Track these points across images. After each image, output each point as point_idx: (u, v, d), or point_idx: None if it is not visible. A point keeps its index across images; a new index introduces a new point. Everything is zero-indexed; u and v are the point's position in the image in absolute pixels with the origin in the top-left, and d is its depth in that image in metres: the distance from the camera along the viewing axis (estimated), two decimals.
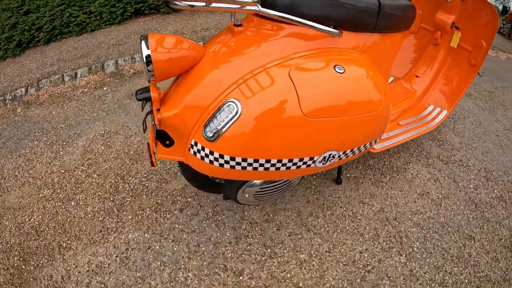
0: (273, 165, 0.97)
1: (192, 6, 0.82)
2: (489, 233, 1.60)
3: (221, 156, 0.93)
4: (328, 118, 0.93)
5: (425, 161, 1.94)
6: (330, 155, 1.04)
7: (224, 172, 0.98)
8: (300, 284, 1.33)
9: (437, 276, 1.43)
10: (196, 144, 0.96)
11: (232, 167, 0.96)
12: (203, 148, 0.95)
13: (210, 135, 0.92)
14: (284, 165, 0.99)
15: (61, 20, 3.29)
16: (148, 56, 0.85)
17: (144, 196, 1.62)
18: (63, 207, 1.59)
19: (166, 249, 1.41)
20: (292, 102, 0.89)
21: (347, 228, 1.56)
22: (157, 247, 1.41)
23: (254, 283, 1.31)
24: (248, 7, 0.85)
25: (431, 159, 1.95)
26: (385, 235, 1.55)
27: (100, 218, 1.53)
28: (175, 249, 1.41)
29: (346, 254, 1.46)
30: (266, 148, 0.93)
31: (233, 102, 0.89)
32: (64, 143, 1.96)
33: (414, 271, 1.43)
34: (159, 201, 1.60)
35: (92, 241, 1.44)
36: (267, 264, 1.38)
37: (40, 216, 1.55)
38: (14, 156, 1.91)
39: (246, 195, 1.20)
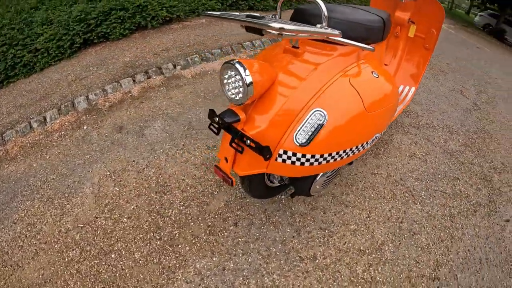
0: (346, 153, 1.20)
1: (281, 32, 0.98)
2: (467, 172, 2.17)
3: (313, 156, 1.10)
4: (377, 110, 1.22)
5: (403, 130, 2.46)
6: (375, 137, 1.35)
7: (313, 169, 1.15)
8: (361, 248, 1.57)
9: (445, 211, 1.88)
10: (285, 152, 1.09)
11: (320, 163, 1.13)
12: (294, 154, 1.09)
13: (304, 141, 1.09)
14: (352, 151, 1.23)
15: (5, 63, 2.91)
16: (249, 78, 0.99)
17: (192, 223, 1.58)
18: (103, 263, 1.40)
19: (241, 264, 1.42)
20: (359, 103, 1.14)
21: (372, 195, 1.88)
22: (232, 265, 1.42)
23: (328, 260, 1.48)
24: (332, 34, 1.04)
25: (406, 127, 2.49)
26: (399, 193, 1.93)
27: (155, 261, 1.42)
28: (249, 260, 1.44)
29: (380, 215, 1.77)
30: (345, 141, 1.15)
31: (319, 110, 1.09)
32: (66, 194, 1.69)
33: (430, 212, 1.85)
34: (210, 223, 1.58)
35: (159, 287, 1.33)
36: (330, 242, 1.56)
37: (79, 283, 1.33)
38: (8, 225, 1.54)
39: (317, 186, 1.37)
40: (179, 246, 1.48)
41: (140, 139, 2.08)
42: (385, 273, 1.52)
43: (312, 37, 1.09)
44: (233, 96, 1.07)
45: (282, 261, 1.45)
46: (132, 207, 1.65)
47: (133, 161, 1.92)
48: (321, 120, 1.08)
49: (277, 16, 1.23)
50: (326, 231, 1.62)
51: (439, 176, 2.10)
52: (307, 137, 1.08)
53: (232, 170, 1.18)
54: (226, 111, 1.08)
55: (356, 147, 1.23)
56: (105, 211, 1.61)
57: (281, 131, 1.09)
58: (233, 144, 1.07)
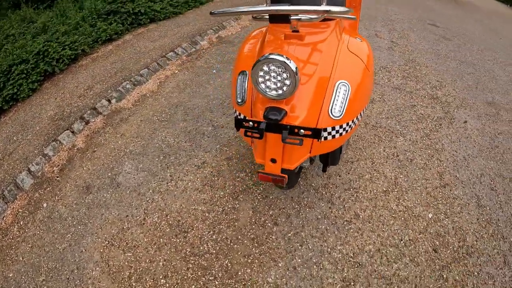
0: (360, 115, 1.34)
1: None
2: (418, 98, 2.68)
3: (347, 125, 1.22)
4: (371, 69, 1.40)
5: None
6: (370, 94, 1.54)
7: (344, 138, 1.25)
8: (384, 189, 1.85)
9: (421, 133, 2.33)
10: (325, 129, 1.15)
11: (347, 131, 1.24)
12: (333, 128, 1.17)
13: (338, 115, 1.18)
14: (363, 112, 1.38)
15: None
16: (294, 65, 1.01)
17: (235, 245, 1.52)
18: None
19: (305, 254, 1.47)
20: (363, 66, 1.30)
21: (365, 145, 2.17)
22: (299, 260, 1.44)
23: (368, 211, 1.71)
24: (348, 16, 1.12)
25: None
26: (382, 134, 2.27)
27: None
28: (310, 247, 1.50)
29: (380, 157, 2.07)
30: (363, 103, 1.30)
31: (342, 82, 1.19)
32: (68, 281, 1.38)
33: (411, 139, 2.26)
34: (252, 236, 1.56)
35: None
36: (360, 196, 1.77)
37: None
38: None
39: (343, 152, 1.54)
40: (239, 273, 1.43)
41: (119, 190, 1.84)
42: (411, 198, 1.82)
43: (328, 16, 1.16)
44: (276, 92, 1.07)
45: (335, 232, 1.57)
46: (161, 263, 1.48)
47: (127, 216, 1.69)
48: (346, 90, 1.19)
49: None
50: (351, 189, 1.81)
51: (401, 108, 2.56)
52: (341, 109, 1.18)
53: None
54: (268, 111, 1.07)
55: (366, 107, 1.40)
56: (133, 284, 1.41)
57: (317, 111, 1.16)
58: (288, 140, 1.07)
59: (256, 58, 1.30)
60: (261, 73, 1.06)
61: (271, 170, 1.18)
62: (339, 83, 1.19)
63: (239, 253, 1.48)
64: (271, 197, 1.72)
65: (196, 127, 2.26)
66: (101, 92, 2.63)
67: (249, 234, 1.55)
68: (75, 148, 2.18)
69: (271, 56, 1.00)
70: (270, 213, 1.65)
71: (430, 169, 2.07)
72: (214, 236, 1.56)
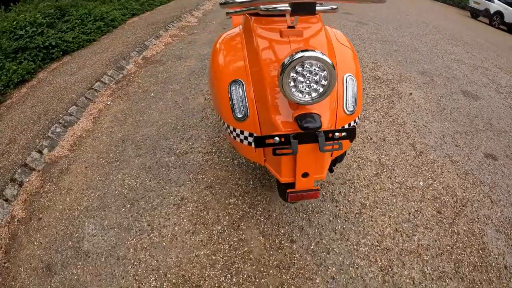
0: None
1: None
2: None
3: (358, 117, 1.30)
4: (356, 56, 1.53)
5: None
6: None
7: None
8: (390, 186, 2.01)
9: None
10: (342, 130, 1.17)
11: (357, 123, 1.33)
12: (349, 124, 1.24)
13: (352, 109, 1.24)
14: None
15: None
16: (329, 59, 0.97)
17: (262, 280, 1.42)
18: None
19: (336, 260, 1.50)
20: (353, 55, 1.40)
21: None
22: (334, 269, 1.47)
23: (372, 198, 1.84)
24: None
25: None
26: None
27: None
28: (336, 251, 1.53)
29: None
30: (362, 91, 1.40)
31: (349, 75, 1.26)
32: None
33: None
34: (275, 262, 1.49)
35: None
36: (369, 187, 1.89)
37: None
38: None
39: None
40: None
41: (90, 261, 1.52)
42: (400, 173, 2.03)
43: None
44: (311, 95, 1.03)
45: (353, 228, 1.65)
46: None
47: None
48: (354, 83, 1.27)
49: None
50: (347, 182, 1.96)
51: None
52: (354, 103, 1.25)
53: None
54: (303, 119, 1.03)
55: None
56: None
57: (335, 109, 1.20)
58: (327, 147, 1.06)
59: (249, 61, 1.25)
60: (292, 77, 1.00)
61: (304, 185, 1.15)
62: (347, 77, 1.27)
63: (270, 286, 1.38)
64: (275, 215, 1.69)
65: (155, 160, 2.07)
66: (27, 143, 2.20)
67: (271, 262, 1.49)
68: (15, 220, 1.76)
69: (307, 54, 0.95)
70: (282, 231, 1.61)
71: (403, 142, 2.34)
72: (234, 279, 1.44)
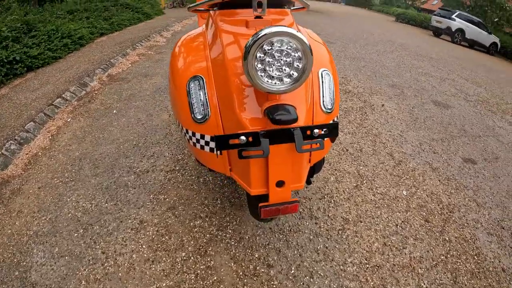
0: None
1: None
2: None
3: (337, 117, 1.14)
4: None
5: None
6: None
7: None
8: (373, 198, 1.85)
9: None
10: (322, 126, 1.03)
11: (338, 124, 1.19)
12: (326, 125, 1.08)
13: (330, 107, 1.09)
14: None
15: None
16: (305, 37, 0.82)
17: None
18: None
19: (327, 283, 1.28)
20: (328, 53, 1.28)
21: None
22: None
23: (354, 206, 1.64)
24: None
25: None
26: None
27: None
28: (321, 274, 1.32)
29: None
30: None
31: (325, 70, 1.12)
32: None
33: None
34: None
35: None
36: (350, 200, 1.73)
37: None
38: None
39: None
40: None
41: None
42: (381, 184, 1.89)
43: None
44: (283, 81, 0.86)
45: (336, 246, 1.47)
46: None
47: None
48: (330, 79, 1.12)
49: None
50: (325, 197, 1.78)
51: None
52: (331, 100, 1.09)
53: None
54: (274, 112, 0.84)
55: None
56: None
57: (311, 105, 1.02)
58: (307, 146, 0.87)
59: (212, 61, 1.11)
60: (258, 58, 0.82)
61: (279, 197, 0.94)
62: (322, 71, 1.13)
63: None
64: (247, 237, 1.47)
65: (113, 180, 1.82)
66: None
67: None
68: None
69: (276, 29, 0.78)
70: (256, 255, 1.39)
71: (380, 152, 2.23)
72: None
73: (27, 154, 2.13)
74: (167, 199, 1.67)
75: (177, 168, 1.90)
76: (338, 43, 5.65)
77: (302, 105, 0.95)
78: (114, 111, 2.64)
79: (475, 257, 1.53)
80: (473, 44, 10.93)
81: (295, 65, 0.85)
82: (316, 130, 0.90)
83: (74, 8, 5.63)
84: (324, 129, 0.91)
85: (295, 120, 0.84)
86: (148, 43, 4.88)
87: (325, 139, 0.96)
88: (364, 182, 1.90)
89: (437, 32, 11.49)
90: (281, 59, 0.84)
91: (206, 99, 1.02)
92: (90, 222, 1.56)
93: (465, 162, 2.34)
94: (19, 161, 2.06)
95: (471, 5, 15.69)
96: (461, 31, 10.59)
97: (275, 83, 0.86)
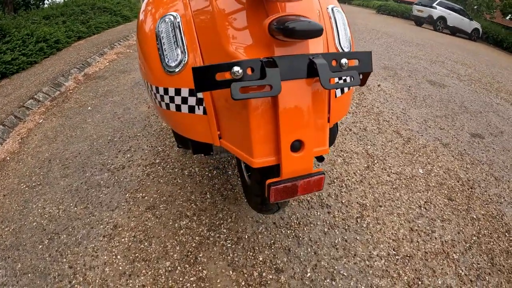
0: None
1: None
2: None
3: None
4: None
5: None
6: None
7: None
8: (388, 179, 1.58)
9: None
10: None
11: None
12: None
13: (347, 45, 0.90)
14: None
15: None
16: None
17: None
18: None
19: (352, 284, 0.98)
20: None
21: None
22: None
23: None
24: None
25: None
26: None
27: None
28: (344, 273, 1.03)
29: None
30: None
31: (335, 7, 0.92)
32: None
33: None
34: None
35: None
36: (363, 183, 1.45)
37: None
38: None
39: None
40: None
41: None
42: (394, 163, 1.63)
43: None
44: None
45: (357, 237, 1.19)
46: None
47: None
48: (343, 16, 0.93)
49: None
50: (335, 181, 1.50)
51: None
52: (349, 39, 0.89)
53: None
54: (283, 21, 0.54)
55: None
56: None
57: (325, 36, 0.79)
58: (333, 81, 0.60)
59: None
60: None
61: (298, 167, 0.61)
62: (333, 7, 0.90)
63: None
64: (246, 237, 1.18)
65: (84, 180, 1.52)
66: None
67: None
68: None
69: None
70: (261, 259, 1.09)
71: (386, 130, 1.99)
72: None
73: None
74: (146, 198, 1.35)
75: (157, 161, 1.58)
76: None
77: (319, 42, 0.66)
78: (89, 108, 2.31)
79: (506, 234, 1.33)
80: (455, 31, 10.91)
81: None
82: (344, 60, 0.59)
83: (51, 13, 5.27)
84: (356, 60, 0.60)
85: (321, 30, 0.53)
86: (127, 42, 4.55)
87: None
88: (376, 162, 1.63)
89: (419, 22, 11.42)
90: None
91: (182, 37, 0.72)
92: (56, 231, 1.24)
93: (473, 137, 2.12)
94: None
95: None
96: (442, 18, 10.53)
97: None
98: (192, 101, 0.70)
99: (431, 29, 10.59)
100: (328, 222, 1.23)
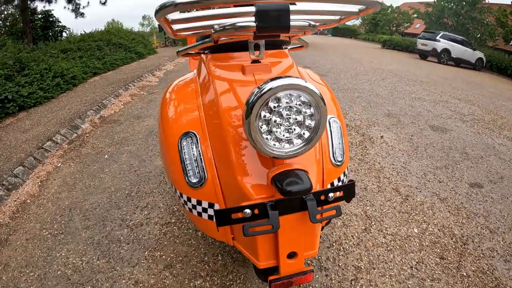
0: None
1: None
2: None
3: (347, 168, 1.07)
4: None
5: None
6: None
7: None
8: (383, 241, 1.76)
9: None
10: (332, 184, 0.96)
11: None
12: (338, 179, 1.01)
13: (341, 159, 1.02)
14: None
15: None
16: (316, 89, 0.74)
17: None
18: None
19: None
20: (330, 95, 1.21)
21: None
22: None
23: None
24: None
25: None
26: None
27: None
28: None
29: None
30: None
31: (333, 118, 1.06)
32: None
33: None
34: None
35: None
36: (360, 246, 1.64)
37: None
38: None
39: None
40: None
41: None
42: (390, 224, 1.83)
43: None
44: (292, 143, 0.78)
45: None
46: None
47: None
48: (338, 127, 1.05)
49: None
50: (334, 244, 1.68)
51: None
52: (342, 150, 1.02)
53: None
54: (283, 180, 0.74)
55: None
56: None
57: (320, 160, 0.93)
58: (320, 215, 0.77)
59: (205, 111, 1.02)
60: (262, 117, 0.73)
61: (292, 269, 0.84)
62: (330, 119, 1.05)
63: None
64: None
65: (105, 233, 1.73)
66: None
67: None
68: None
69: (281, 82, 0.69)
70: None
71: (385, 189, 2.19)
72: None
73: (15, 201, 2.08)
74: (164, 256, 1.55)
75: (173, 220, 1.80)
76: (329, 75, 5.79)
77: (313, 166, 0.86)
78: (106, 156, 2.58)
79: None
80: (459, 62, 11.36)
81: (307, 124, 0.76)
82: (331, 194, 0.80)
83: (68, 47, 5.74)
84: (340, 192, 0.82)
85: (310, 189, 0.73)
86: (141, 83, 4.94)
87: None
88: (373, 223, 1.81)
89: (423, 55, 11.95)
90: (290, 118, 0.75)
91: (201, 158, 0.94)
92: (81, 282, 1.44)
93: (472, 187, 2.29)
94: (6, 208, 2.01)
95: (454, 25, 16.57)
96: (446, 51, 11.05)
97: (283, 147, 0.77)
98: (211, 211, 0.93)
99: (436, 62, 10.98)
100: (325, 284, 1.41)
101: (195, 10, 0.99)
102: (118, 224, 1.79)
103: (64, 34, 9.12)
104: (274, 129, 0.75)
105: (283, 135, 0.77)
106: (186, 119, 1.04)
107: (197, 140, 0.96)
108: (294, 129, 0.77)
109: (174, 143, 0.98)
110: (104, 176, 2.28)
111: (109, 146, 2.76)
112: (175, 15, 0.77)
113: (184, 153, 0.95)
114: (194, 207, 0.96)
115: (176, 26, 0.86)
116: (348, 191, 0.84)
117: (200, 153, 0.95)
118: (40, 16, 9.17)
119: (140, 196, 2.03)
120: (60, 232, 1.76)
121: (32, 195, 2.14)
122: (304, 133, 0.78)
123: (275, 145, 0.77)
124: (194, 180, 0.93)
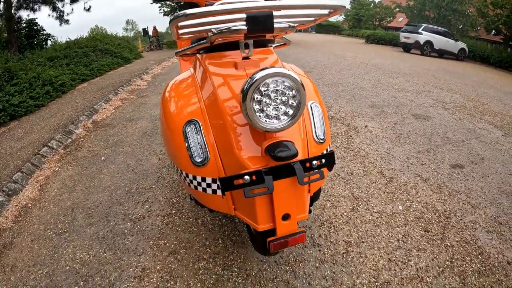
0: None
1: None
2: None
3: (329, 146, 1.22)
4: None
5: None
6: None
7: None
8: (371, 218, 1.92)
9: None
10: (315, 158, 1.07)
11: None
12: (321, 156, 1.13)
13: (323, 137, 1.18)
14: None
15: None
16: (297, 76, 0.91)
17: None
18: None
19: None
20: (313, 86, 1.37)
21: None
22: None
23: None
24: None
25: None
26: None
27: None
28: None
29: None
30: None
31: (314, 103, 1.23)
32: None
33: None
34: None
35: None
36: (349, 224, 1.80)
37: None
38: None
39: None
40: None
41: None
42: (377, 203, 1.98)
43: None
44: (279, 119, 0.95)
45: (343, 269, 1.51)
46: None
47: None
48: (319, 110, 1.23)
49: None
50: (325, 223, 1.83)
51: None
52: (323, 130, 1.19)
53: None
54: (275, 149, 0.92)
55: None
56: None
57: (305, 137, 1.10)
58: (307, 178, 0.95)
59: (205, 103, 1.18)
60: (257, 97, 0.92)
61: (287, 229, 1.01)
62: (311, 104, 1.23)
63: None
64: (253, 273, 1.51)
65: (109, 228, 1.84)
66: None
67: None
68: None
69: (269, 71, 0.87)
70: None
71: (371, 172, 2.35)
72: None
73: (16, 205, 2.16)
74: (168, 244, 1.68)
75: (174, 211, 1.93)
76: (314, 71, 5.98)
77: (298, 139, 1.04)
78: (103, 158, 2.68)
79: (479, 256, 1.61)
80: (442, 54, 11.78)
81: (290, 103, 0.95)
82: (314, 162, 0.98)
83: (54, 55, 5.78)
84: (322, 160, 1.00)
85: (296, 155, 0.92)
86: (130, 87, 5.03)
87: (323, 168, 1.05)
88: (360, 203, 1.98)
89: (407, 48, 12.34)
90: (277, 98, 0.93)
91: (204, 142, 1.09)
92: (90, 274, 1.55)
93: (453, 168, 2.47)
94: (8, 213, 2.08)
95: (435, 17, 17.11)
96: (429, 43, 11.45)
97: (273, 122, 0.95)
98: (214, 186, 1.07)
99: (419, 54, 11.35)
100: (319, 258, 1.56)
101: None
102: (121, 218, 1.90)
103: (49, 42, 9.11)
104: (265, 108, 0.93)
105: (272, 113, 0.95)
106: (189, 110, 1.19)
107: (199, 126, 1.11)
108: (281, 108, 0.95)
109: (180, 130, 1.13)
110: (103, 177, 2.38)
111: (104, 149, 2.86)
112: (184, 23, 0.98)
113: (189, 138, 1.10)
114: (199, 184, 1.10)
115: (181, 31, 1.06)
116: (329, 159, 1.02)
117: (203, 137, 1.10)
118: (24, 25, 9.12)
119: (140, 192, 2.15)
120: (65, 230, 1.86)
121: (33, 199, 2.22)
122: (288, 111, 0.96)
123: (266, 121, 0.94)
124: (199, 160, 1.07)
